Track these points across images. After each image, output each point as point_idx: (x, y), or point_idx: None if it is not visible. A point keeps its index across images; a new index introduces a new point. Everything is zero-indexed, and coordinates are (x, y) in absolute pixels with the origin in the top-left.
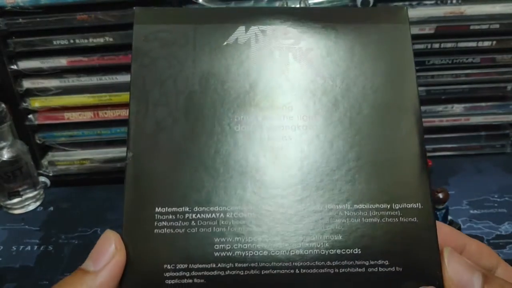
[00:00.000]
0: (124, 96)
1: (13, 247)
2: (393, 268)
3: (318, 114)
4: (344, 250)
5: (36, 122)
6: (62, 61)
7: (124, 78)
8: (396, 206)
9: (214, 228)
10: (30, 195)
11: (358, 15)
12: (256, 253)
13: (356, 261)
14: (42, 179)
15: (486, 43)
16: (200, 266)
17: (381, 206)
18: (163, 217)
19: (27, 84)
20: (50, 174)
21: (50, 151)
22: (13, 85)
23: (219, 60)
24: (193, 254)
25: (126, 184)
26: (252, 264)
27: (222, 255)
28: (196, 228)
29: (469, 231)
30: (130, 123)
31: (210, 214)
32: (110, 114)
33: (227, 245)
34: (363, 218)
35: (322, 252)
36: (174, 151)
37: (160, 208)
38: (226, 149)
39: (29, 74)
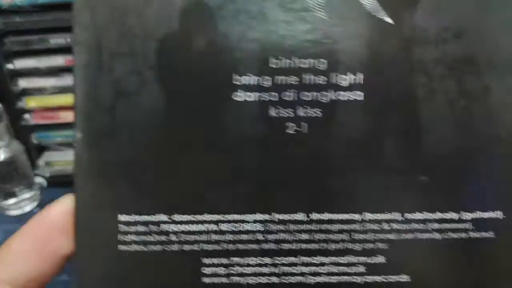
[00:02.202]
0: None
1: None
2: None
3: (375, 80)
4: (387, 277)
5: (32, 122)
6: (59, 60)
7: None
8: (467, 216)
9: (202, 245)
10: (27, 196)
11: None
12: (262, 280)
13: None
14: (38, 179)
15: None
16: None
17: (445, 216)
18: (130, 228)
19: (23, 83)
20: (47, 175)
21: (46, 151)
22: (9, 84)
23: None
24: (173, 281)
25: (76, 178)
26: None
27: (214, 282)
28: (177, 245)
29: None
30: (76, 85)
31: (197, 225)
32: None
33: (220, 269)
34: (417, 233)
35: (357, 279)
36: (143, 131)
37: (125, 216)
38: (222, 128)
39: (26, 73)
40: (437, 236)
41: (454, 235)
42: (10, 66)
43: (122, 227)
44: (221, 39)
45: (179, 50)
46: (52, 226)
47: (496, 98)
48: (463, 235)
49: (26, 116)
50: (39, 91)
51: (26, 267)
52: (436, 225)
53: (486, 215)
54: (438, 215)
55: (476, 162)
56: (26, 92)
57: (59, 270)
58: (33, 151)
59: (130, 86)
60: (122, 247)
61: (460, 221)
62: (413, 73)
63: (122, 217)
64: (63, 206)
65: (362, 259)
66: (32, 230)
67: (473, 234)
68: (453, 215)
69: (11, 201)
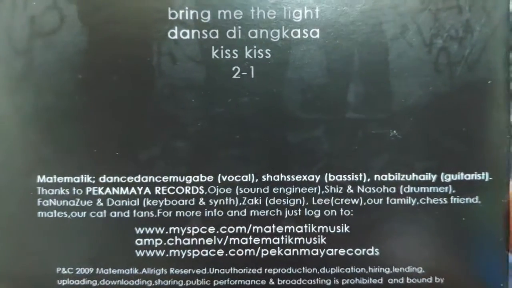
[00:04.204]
0: None
1: None
2: (430, 279)
3: (333, 15)
4: (352, 250)
5: None
6: None
7: None
8: (447, 177)
9: (135, 211)
10: None
11: None
12: (204, 252)
13: (371, 268)
14: None
15: None
16: (114, 272)
17: (421, 177)
18: (51, 191)
19: None
20: None
21: None
22: None
23: None
24: (102, 253)
25: None
26: (198, 271)
27: (148, 255)
28: (104, 211)
29: None
30: None
31: (128, 188)
32: None
33: (156, 240)
34: (387, 198)
35: (315, 252)
36: (63, 75)
37: (44, 177)
38: (155, 72)
39: None
40: (411, 201)
41: (432, 201)
42: None
43: (41, 190)
44: None
45: None
46: None
47: (478, 37)
48: (443, 200)
49: None
50: None
51: None
52: (411, 189)
53: (470, 177)
54: (413, 176)
55: (457, 114)
56: None
57: None
58: None
59: (48, 24)
60: (41, 214)
61: (439, 183)
62: (377, 7)
63: (41, 179)
64: None
65: (322, 228)
66: None
67: (454, 200)
68: (430, 177)
69: None
